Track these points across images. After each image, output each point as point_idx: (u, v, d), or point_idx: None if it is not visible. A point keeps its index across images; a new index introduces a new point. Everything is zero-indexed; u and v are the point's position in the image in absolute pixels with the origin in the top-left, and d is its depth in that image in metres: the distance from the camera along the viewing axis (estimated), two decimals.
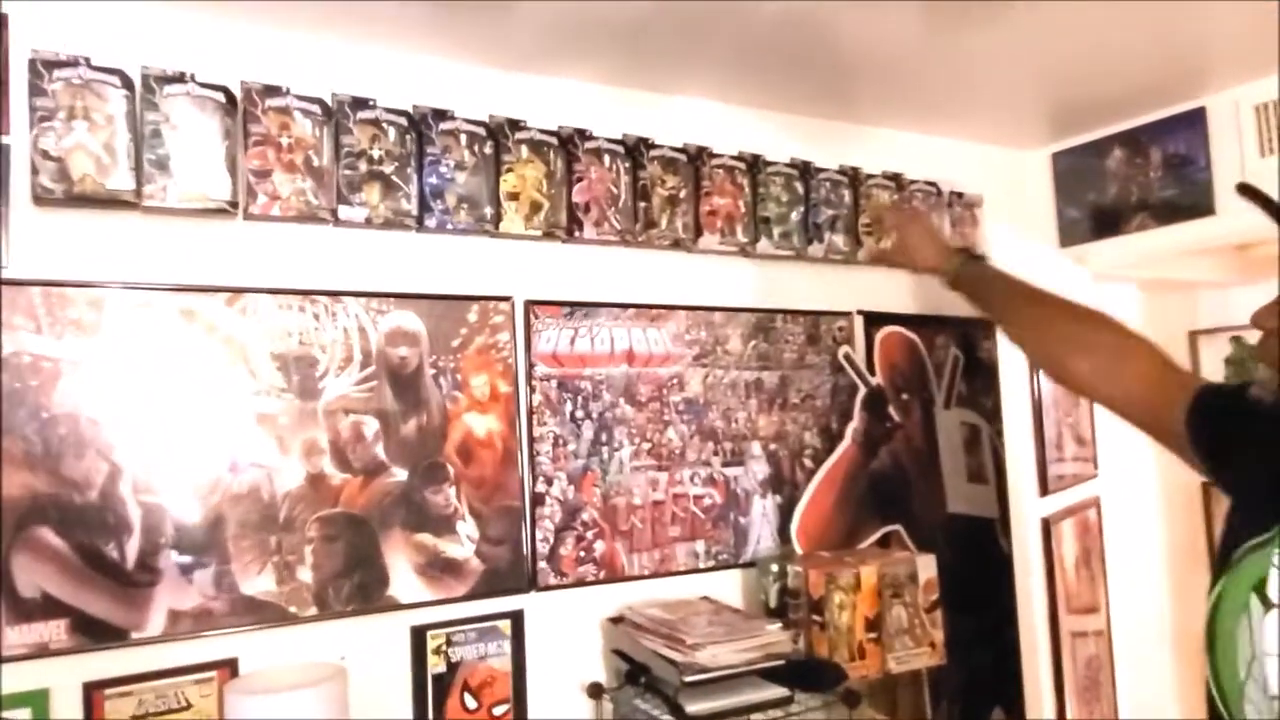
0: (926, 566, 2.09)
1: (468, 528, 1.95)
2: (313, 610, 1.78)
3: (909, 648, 2.05)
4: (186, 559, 1.69)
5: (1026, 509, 2.17)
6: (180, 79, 1.72)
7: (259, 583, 1.75)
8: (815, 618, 2.00)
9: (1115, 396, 1.31)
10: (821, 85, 2.32)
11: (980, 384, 2.72)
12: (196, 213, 1.73)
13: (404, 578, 1.87)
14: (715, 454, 2.27)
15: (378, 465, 1.88)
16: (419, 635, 1.89)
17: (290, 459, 1.79)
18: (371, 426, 1.87)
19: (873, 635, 2.01)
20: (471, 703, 1.93)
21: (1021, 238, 2.79)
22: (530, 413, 2.05)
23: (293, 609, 1.77)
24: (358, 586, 1.83)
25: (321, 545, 1.80)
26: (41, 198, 1.60)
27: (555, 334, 2.10)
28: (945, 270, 1.65)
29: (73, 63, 1.63)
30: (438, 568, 1.91)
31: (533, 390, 2.06)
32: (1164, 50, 2.21)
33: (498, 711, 1.95)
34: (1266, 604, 0.90)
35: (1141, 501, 3.31)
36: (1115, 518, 2.89)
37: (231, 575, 1.72)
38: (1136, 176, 2.67)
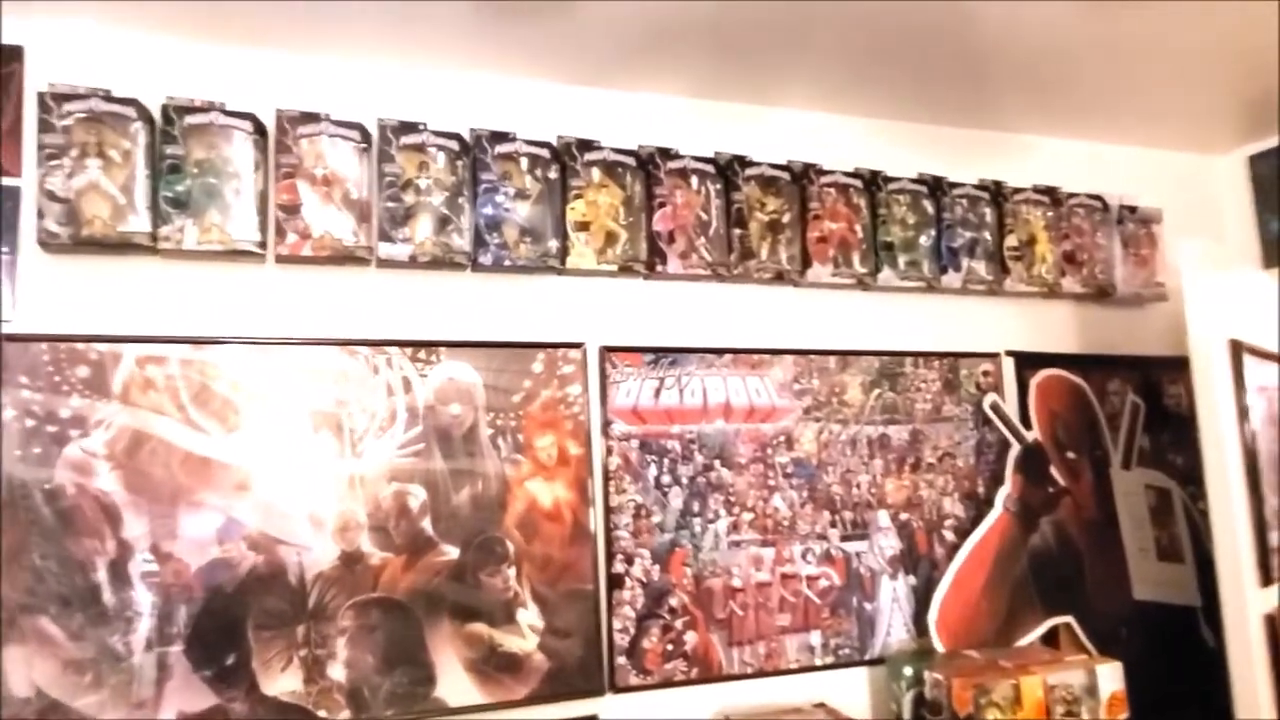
0: (1111, 676, 1.62)
1: (530, 616, 1.65)
2: (346, 715, 1.52)
3: None
4: (200, 653, 1.46)
5: (1239, 600, 1.68)
6: (205, 109, 1.54)
7: (283, 681, 1.50)
8: None
9: None
10: (952, 88, 1.95)
11: (1169, 437, 2.22)
12: (219, 255, 1.54)
13: (454, 676, 1.58)
14: (833, 525, 1.89)
15: (425, 542, 1.61)
16: None
17: (323, 535, 1.55)
18: (418, 497, 1.61)
19: None
20: None
21: (1214, 259, 2.28)
22: (607, 478, 1.74)
23: (322, 713, 1.51)
24: (399, 686, 1.55)
25: (357, 637, 1.54)
26: (47, 243, 1.44)
27: (636, 385, 1.79)
28: None
29: (88, 95, 1.48)
30: (494, 664, 1.61)
31: (609, 452, 1.75)
32: None
33: None
34: None
35: None
36: None
37: (252, 672, 1.48)
38: None
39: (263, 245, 1.55)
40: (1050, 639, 1.92)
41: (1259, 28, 1.72)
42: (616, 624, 1.70)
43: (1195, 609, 2.10)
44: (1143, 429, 2.18)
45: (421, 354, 1.66)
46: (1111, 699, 1.62)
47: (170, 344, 1.51)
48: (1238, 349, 1.71)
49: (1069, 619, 1.92)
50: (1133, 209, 2.23)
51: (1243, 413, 1.69)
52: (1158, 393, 2.24)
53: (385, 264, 1.64)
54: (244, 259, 1.56)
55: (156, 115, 1.51)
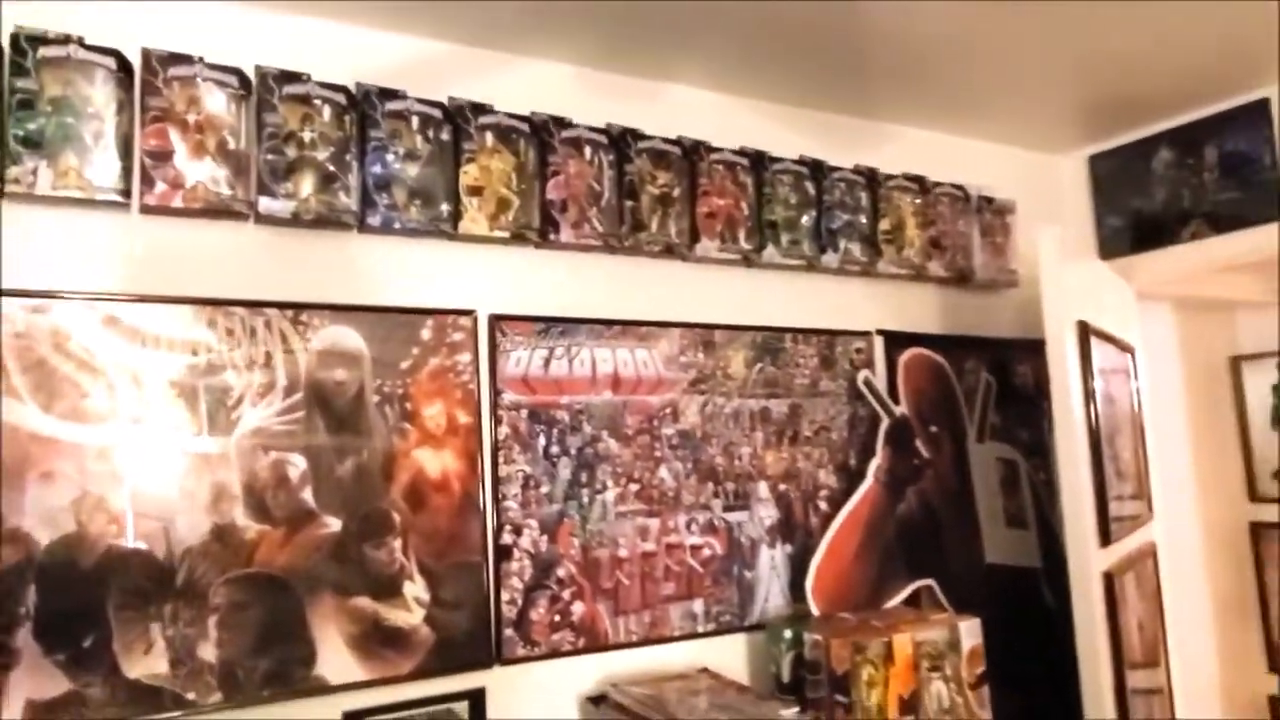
0: (971, 632, 1.75)
1: (416, 589, 1.60)
2: (217, 697, 1.43)
3: None
4: (52, 635, 1.34)
5: (1083, 560, 1.84)
6: (61, 41, 1.40)
7: (148, 663, 1.39)
8: (839, 698, 1.65)
9: None
10: (835, 76, 2.02)
11: (1016, 414, 2.40)
12: (77, 202, 1.40)
13: (335, 653, 1.52)
14: (716, 496, 1.93)
15: (304, 514, 1.53)
16: None
17: (193, 508, 1.45)
18: (297, 466, 1.53)
19: (909, 718, 1.66)
20: None
21: (1060, 250, 2.48)
22: (496, 448, 1.71)
23: (191, 695, 1.42)
24: (276, 666, 1.48)
25: (230, 615, 1.45)
26: None
27: (526, 355, 1.77)
28: None
29: None
30: (378, 640, 1.56)
31: (499, 422, 1.72)
32: (1219, 34, 1.92)
33: None
34: None
35: (1189, 546, 2.97)
36: (1167, 566, 2.55)
37: (113, 654, 1.37)
38: (1188, 179, 2.37)
39: (126, 194, 1.43)
40: (913, 601, 2.04)
41: (1100, 34, 1.87)
42: (504, 595, 1.68)
43: (1037, 570, 2.28)
44: (994, 405, 2.34)
45: (303, 317, 1.57)
46: (971, 653, 1.74)
47: (21, 297, 1.37)
48: (1085, 330, 1.87)
49: (930, 582, 2.05)
50: (990, 200, 2.38)
51: (1089, 389, 1.85)
52: (1008, 372, 2.41)
53: (265, 220, 1.54)
54: (105, 208, 1.43)
55: (5, 45, 1.36)
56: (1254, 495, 3.24)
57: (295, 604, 1.50)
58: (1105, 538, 1.81)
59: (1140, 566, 2.14)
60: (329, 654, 1.52)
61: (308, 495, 1.53)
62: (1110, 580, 1.80)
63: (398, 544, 1.59)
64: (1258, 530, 3.21)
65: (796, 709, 1.56)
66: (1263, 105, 2.22)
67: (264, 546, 1.49)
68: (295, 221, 1.56)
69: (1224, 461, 3.27)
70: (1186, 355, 3.66)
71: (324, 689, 1.51)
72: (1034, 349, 2.44)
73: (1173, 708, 2.40)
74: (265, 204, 1.52)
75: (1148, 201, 2.45)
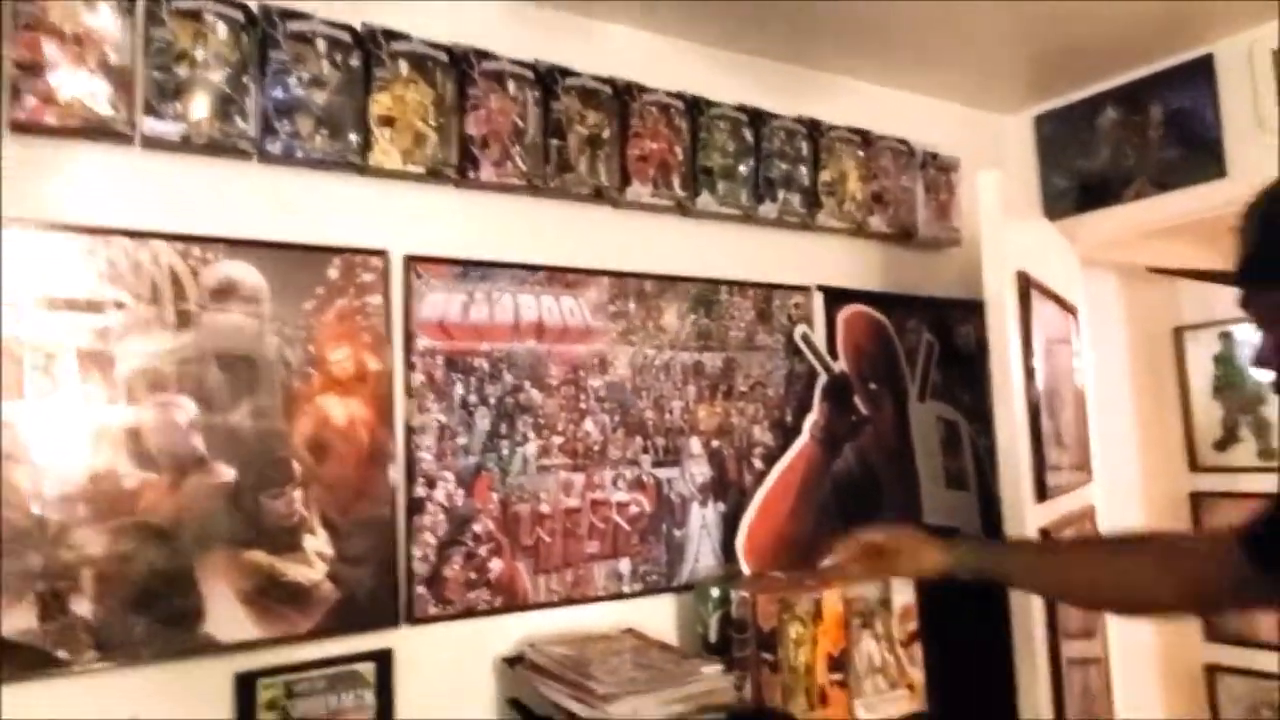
0: (903, 590, 1.69)
1: (318, 543, 1.50)
2: (92, 655, 1.32)
3: (882, 691, 1.65)
4: None
5: (1018, 513, 1.81)
6: None
7: (14, 619, 1.28)
8: (765, 656, 1.58)
9: (1201, 596, 1.32)
10: (778, 24, 1.95)
11: (958, 375, 2.35)
12: None
13: (227, 610, 1.42)
14: (645, 452, 1.85)
15: (194, 461, 1.42)
16: (246, 685, 1.43)
17: (67, 452, 1.33)
18: (186, 410, 1.42)
19: (837, 676, 1.60)
20: None
21: (1000, 196, 2.43)
22: (409, 396, 1.61)
23: (63, 654, 1.31)
24: (160, 622, 1.37)
25: (108, 568, 1.34)
26: None
27: (443, 299, 1.67)
28: (952, 567, 1.44)
29: None
30: (275, 596, 1.46)
31: (412, 368, 1.62)
32: None
33: None
34: None
35: (1129, 515, 2.97)
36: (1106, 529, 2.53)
37: None
38: (1132, 138, 2.33)
39: None
40: None
41: None
42: (416, 551, 1.59)
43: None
44: (936, 365, 2.29)
45: (195, 251, 1.46)
46: (903, 611, 1.68)
47: None
48: (1025, 281, 1.81)
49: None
50: (934, 155, 2.33)
51: (1028, 339, 1.80)
52: (950, 333, 2.36)
53: (152, 144, 1.43)
54: None
55: None
56: (1194, 465, 3.25)
57: (182, 557, 1.40)
58: (1041, 493, 1.77)
59: (1079, 528, 2.11)
60: (219, 611, 1.41)
61: (197, 441, 1.43)
62: (1046, 536, 1.76)
63: (298, 495, 1.49)
64: (1198, 500, 3.22)
65: (719, 666, 1.49)
66: (1207, 61, 2.19)
67: (147, 495, 1.38)
68: (186, 146, 1.44)
69: (1165, 431, 3.28)
70: (1131, 324, 3.66)
71: (214, 648, 1.41)
72: (977, 310, 2.39)
73: (1109, 678, 2.38)
74: (151, 125, 1.41)
75: (1092, 161, 2.42)
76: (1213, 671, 3.65)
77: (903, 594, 1.69)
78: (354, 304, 1.58)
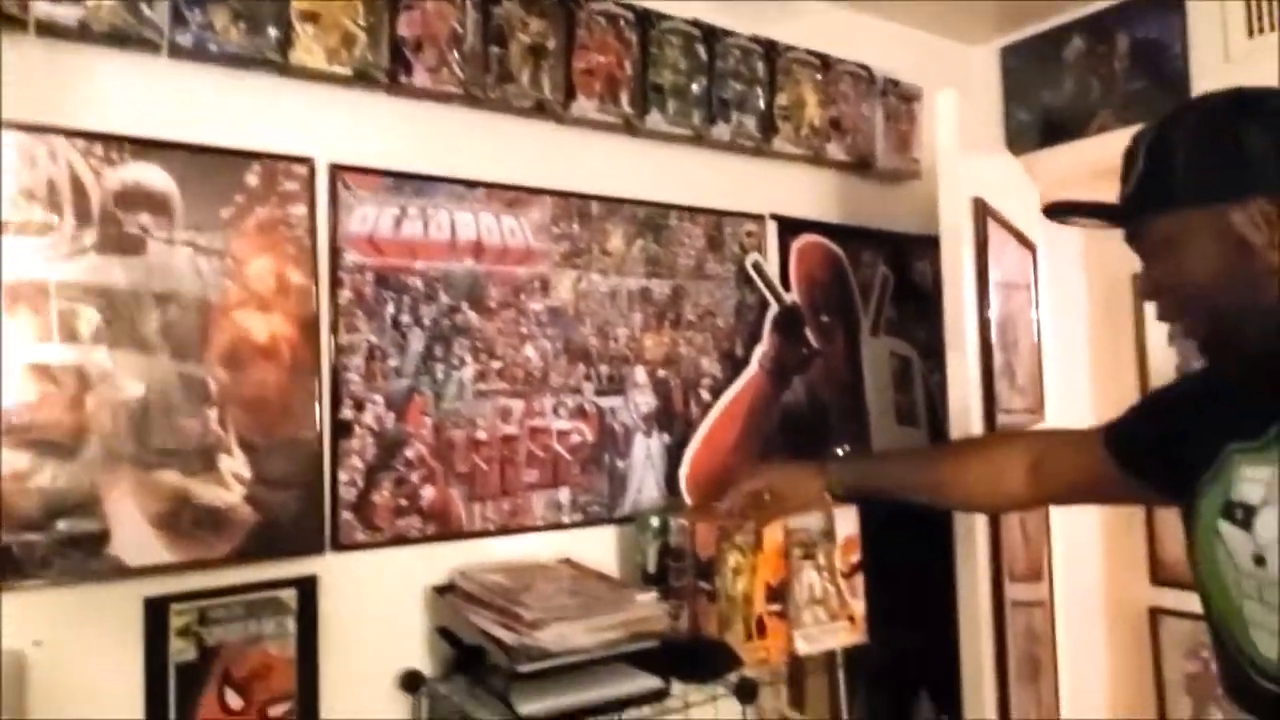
0: (846, 521, 1.66)
1: (235, 465, 1.43)
2: None
3: (822, 622, 1.62)
4: None
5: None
6: None
7: None
8: (702, 585, 1.55)
9: (1057, 491, 1.44)
10: None
11: (913, 310, 2.30)
12: None
13: (135, 532, 1.34)
14: (587, 379, 1.79)
15: (99, 375, 1.33)
16: (157, 610, 1.36)
17: None
18: (88, 318, 1.33)
19: (776, 607, 1.57)
20: (236, 701, 1.41)
21: (966, 142, 2.37)
22: (336, 314, 1.53)
23: None
24: (60, 544, 1.29)
25: (5, 486, 1.26)
26: None
27: (373, 213, 1.58)
28: (832, 490, 1.55)
29: None
30: (189, 519, 1.39)
31: (339, 285, 1.54)
32: None
33: (275, 712, 1.44)
34: (1239, 517, 0.99)
35: None
36: None
37: None
38: (1099, 69, 2.27)
39: None
40: None
41: None
42: (343, 476, 1.52)
43: None
44: (891, 300, 2.25)
45: (97, 149, 1.35)
46: (846, 542, 1.65)
47: None
48: (982, 208, 1.76)
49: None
50: (896, 83, 2.25)
51: (983, 276, 1.75)
52: (907, 268, 2.31)
53: (46, 30, 1.31)
54: None
55: None
56: None
57: (85, 476, 1.31)
58: (991, 423, 1.73)
59: None
60: (127, 533, 1.34)
61: (101, 355, 1.34)
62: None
63: (213, 414, 1.41)
64: None
65: (654, 593, 1.45)
66: None
67: (46, 409, 1.29)
68: (85, 35, 1.33)
69: (1120, 377, 3.27)
70: (1090, 268, 3.64)
71: (121, 571, 1.33)
72: (935, 246, 2.34)
73: (1053, 620, 2.39)
74: (44, 9, 1.29)
75: (1057, 94, 2.36)
76: (1156, 614, 3.72)
77: (847, 525, 1.65)
78: (276, 214, 1.48)
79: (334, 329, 1.52)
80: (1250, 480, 0.99)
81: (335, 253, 1.53)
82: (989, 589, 1.73)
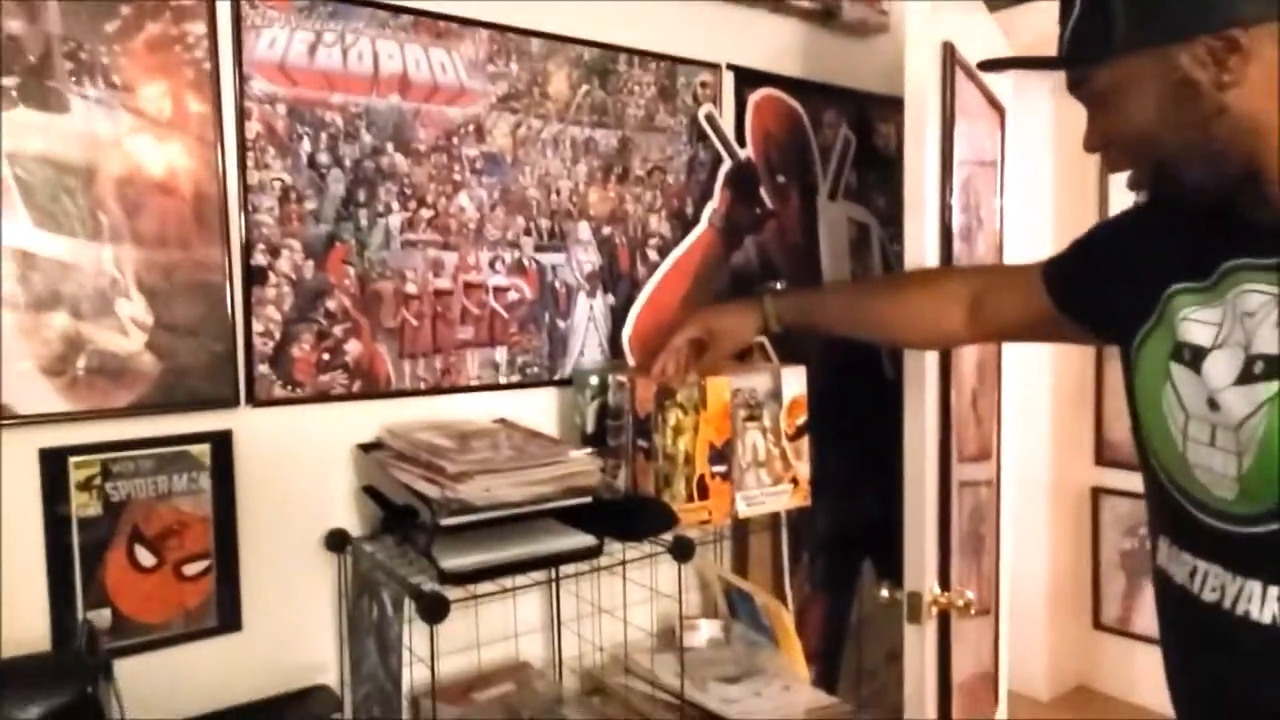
0: (794, 380, 1.59)
1: (134, 309, 1.31)
2: None
3: (765, 485, 1.57)
4: None
5: None
6: None
7: None
8: (640, 443, 1.48)
9: (996, 328, 1.42)
10: None
11: (874, 176, 2.21)
12: None
13: (25, 379, 1.24)
14: (527, 233, 1.68)
15: None
16: (55, 462, 1.27)
17: None
18: None
19: (720, 469, 1.51)
20: (148, 558, 1.34)
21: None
22: (244, 148, 1.39)
23: None
24: None
25: None
26: None
27: (284, 36, 1.42)
28: (767, 327, 1.53)
29: None
30: (85, 367, 1.28)
31: (247, 115, 1.39)
32: None
33: (190, 570, 1.37)
34: (1187, 359, 0.96)
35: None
36: (1010, 355, 2.48)
37: None
38: None
39: None
40: (741, 356, 1.87)
41: None
42: (257, 326, 1.41)
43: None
44: (851, 164, 2.14)
45: None
46: (793, 403, 1.59)
47: None
48: (951, 54, 1.64)
49: (762, 338, 1.89)
50: None
51: (949, 126, 1.64)
52: (869, 130, 2.20)
53: None
54: None
55: None
56: None
57: None
58: None
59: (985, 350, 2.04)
60: (17, 380, 1.23)
61: None
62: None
63: (106, 253, 1.29)
64: None
65: (587, 450, 1.39)
66: None
67: None
68: None
69: None
70: (1058, 140, 3.56)
71: (12, 419, 1.23)
72: (900, 108, 2.22)
73: (999, 499, 2.39)
74: None
75: None
76: (1098, 494, 3.80)
77: (794, 385, 1.59)
78: (170, 31, 1.32)
79: (242, 165, 1.39)
80: (1198, 322, 0.95)
81: (241, 79, 1.38)
82: (936, 470, 1.69)
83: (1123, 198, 3.55)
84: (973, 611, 1.65)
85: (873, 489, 2.07)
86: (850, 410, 1.99)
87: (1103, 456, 3.73)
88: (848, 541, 2.07)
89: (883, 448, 2.03)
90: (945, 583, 1.70)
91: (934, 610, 1.65)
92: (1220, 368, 0.91)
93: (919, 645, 1.65)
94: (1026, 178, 3.01)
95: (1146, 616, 3.71)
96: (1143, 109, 0.93)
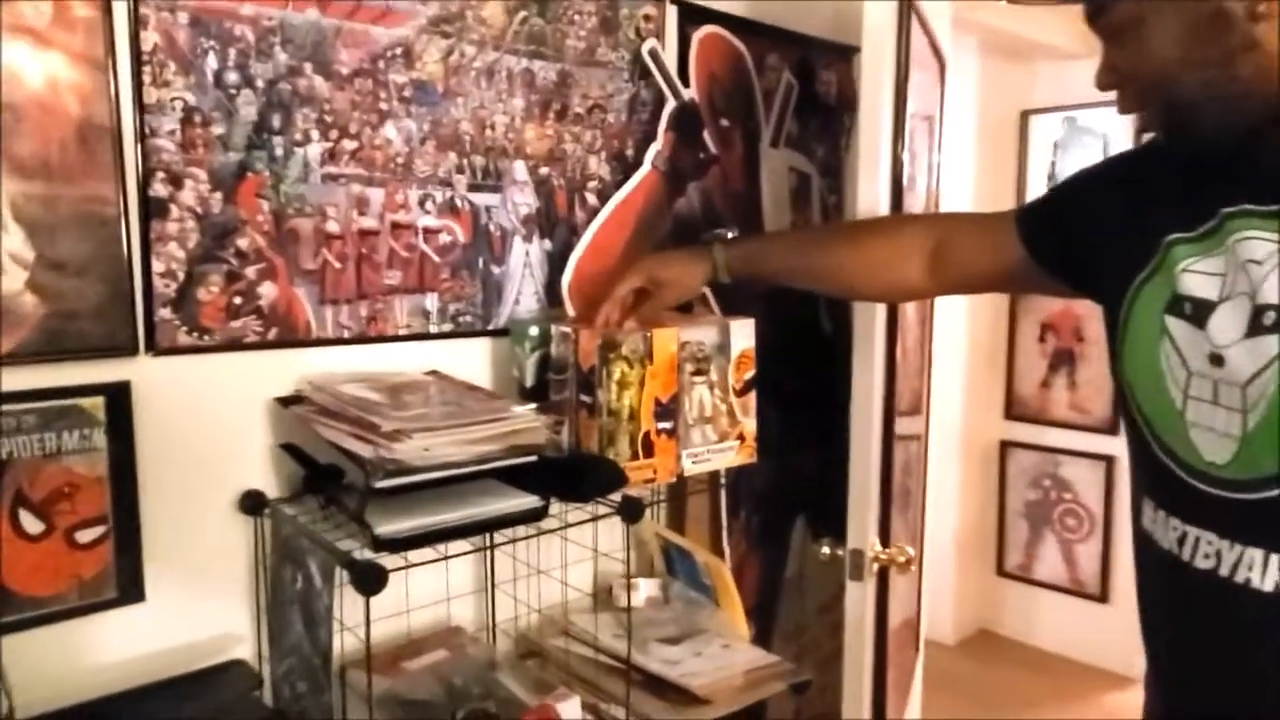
0: (743, 333, 1.53)
1: (12, 243, 1.15)
2: None
3: (711, 442, 1.52)
4: None
5: None
6: None
7: None
8: (584, 398, 1.40)
9: (959, 279, 1.34)
10: None
11: (815, 125, 2.15)
12: None
13: None
14: (460, 172, 1.55)
15: None
16: None
17: None
18: None
19: (666, 425, 1.44)
20: (34, 524, 1.19)
21: None
22: (139, 61, 1.22)
23: None
24: None
25: None
26: None
27: None
28: (716, 276, 1.49)
29: None
30: None
31: (143, 24, 1.22)
32: None
33: (84, 537, 1.23)
34: (1187, 312, 0.91)
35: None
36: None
37: None
38: None
39: None
40: (684, 307, 1.80)
41: None
42: (157, 265, 1.26)
43: (816, 297, 2.12)
44: (793, 111, 2.07)
45: None
46: (741, 356, 1.53)
47: None
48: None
49: (705, 290, 1.82)
50: None
51: (904, 68, 1.59)
52: (812, 77, 2.13)
53: None
54: None
55: None
56: None
57: None
58: None
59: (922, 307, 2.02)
60: None
61: None
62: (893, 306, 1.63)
63: None
64: None
65: (530, 406, 1.30)
66: None
67: None
68: None
69: (1000, 209, 3.28)
70: (983, 102, 3.58)
71: None
72: (844, 56, 2.17)
73: (926, 454, 2.41)
74: None
75: None
76: (1006, 447, 3.92)
77: (742, 338, 1.53)
78: None
79: (137, 81, 1.22)
80: (1198, 273, 0.90)
81: None
82: (880, 425, 1.66)
83: (1042, 162, 3.61)
84: (912, 568, 1.64)
85: (809, 445, 2.04)
86: (787, 365, 1.94)
87: (1011, 411, 3.84)
88: (783, 498, 2.05)
89: (819, 403, 2.01)
90: (885, 539, 1.69)
91: (875, 567, 1.63)
92: (1227, 321, 0.87)
93: (860, 601, 1.64)
94: (952, 132, 3.00)
95: (1047, 564, 3.88)
96: (1166, 42, 0.87)
